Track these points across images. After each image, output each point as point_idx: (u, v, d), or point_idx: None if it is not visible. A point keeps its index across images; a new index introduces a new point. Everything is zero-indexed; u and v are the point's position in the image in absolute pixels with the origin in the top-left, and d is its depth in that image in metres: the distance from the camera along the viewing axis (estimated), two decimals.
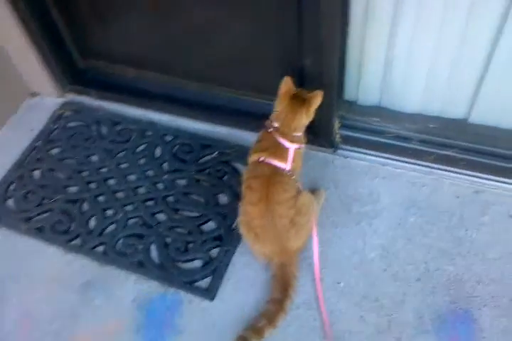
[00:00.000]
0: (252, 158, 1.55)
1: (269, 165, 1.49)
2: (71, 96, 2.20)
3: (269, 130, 1.54)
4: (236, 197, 1.78)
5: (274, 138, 1.52)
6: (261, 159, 1.51)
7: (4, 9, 1.85)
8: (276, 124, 1.52)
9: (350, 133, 1.85)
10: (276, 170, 1.49)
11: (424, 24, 1.53)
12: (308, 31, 1.51)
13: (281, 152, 1.50)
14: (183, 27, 2.37)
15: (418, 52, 1.62)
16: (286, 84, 1.49)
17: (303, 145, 1.56)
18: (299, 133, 1.54)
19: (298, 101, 1.49)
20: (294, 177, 1.50)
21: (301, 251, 1.56)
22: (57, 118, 2.12)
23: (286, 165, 1.49)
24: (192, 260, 1.68)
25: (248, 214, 1.51)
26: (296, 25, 1.51)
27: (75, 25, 2.13)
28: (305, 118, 1.51)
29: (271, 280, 1.52)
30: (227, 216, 1.74)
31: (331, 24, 1.44)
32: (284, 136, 1.51)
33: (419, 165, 1.75)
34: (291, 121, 1.50)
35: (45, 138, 2.06)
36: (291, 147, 1.51)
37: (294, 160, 1.50)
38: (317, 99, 1.48)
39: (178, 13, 2.42)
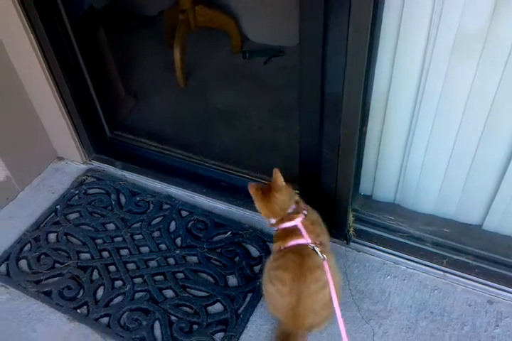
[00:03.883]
0: (275, 247, 1.59)
1: (293, 250, 1.50)
2: (95, 164, 2.26)
3: (274, 230, 1.60)
4: (246, 280, 1.79)
5: (281, 229, 1.57)
6: (282, 247, 1.54)
7: (44, 80, 1.97)
8: (272, 220, 1.58)
9: (363, 228, 1.87)
10: (302, 252, 1.49)
11: (440, 130, 1.60)
12: (328, 128, 1.59)
13: (293, 232, 1.53)
14: (208, 109, 2.50)
15: (434, 156, 1.68)
16: (252, 190, 1.57)
17: (306, 212, 1.57)
18: (291, 208, 1.56)
19: (267, 190, 1.56)
20: (319, 248, 1.48)
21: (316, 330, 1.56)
22: (79, 184, 2.17)
23: (305, 240, 1.50)
24: None
25: (273, 296, 1.52)
26: (318, 119, 1.59)
27: (108, 98, 2.25)
28: (282, 194, 1.55)
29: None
30: (235, 299, 1.73)
31: (351, 123, 1.52)
32: (283, 220, 1.56)
33: (431, 267, 1.75)
34: (274, 206, 1.55)
35: (65, 202, 2.09)
36: (296, 222, 1.53)
37: (310, 231, 1.52)
38: (275, 175, 1.54)
39: (205, 96, 2.56)
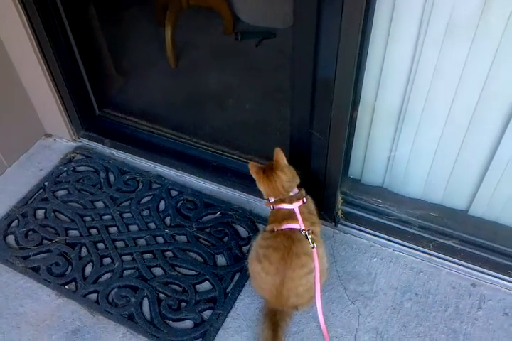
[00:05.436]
0: (269, 227, 1.60)
1: (285, 233, 1.53)
2: (84, 142, 2.24)
3: (271, 208, 1.61)
4: (234, 260, 1.80)
5: (277, 210, 1.59)
6: (276, 229, 1.55)
7: (33, 56, 1.94)
8: (272, 199, 1.59)
9: (352, 210, 1.89)
10: (294, 236, 1.51)
11: (430, 116, 1.61)
12: (319, 111, 1.60)
13: (289, 215, 1.55)
14: (199, 89, 2.48)
15: (423, 141, 1.70)
16: (253, 169, 1.59)
17: (306, 200, 1.60)
18: (293, 192, 1.59)
19: (269, 169, 1.57)
20: (311, 236, 1.51)
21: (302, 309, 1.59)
22: (67, 161, 2.16)
23: (298, 225, 1.53)
24: (183, 319, 1.66)
25: (259, 274, 1.54)
26: (309, 102, 1.59)
27: (98, 76, 2.22)
28: (285, 174, 1.57)
29: (261, 319, 1.56)
30: (224, 278, 1.75)
31: (342, 107, 1.52)
32: (283, 201, 1.57)
33: (417, 250, 1.77)
34: (278, 185, 1.56)
35: (53, 179, 2.08)
36: (294, 206, 1.56)
37: (305, 218, 1.55)
38: (278, 154, 1.57)
39: (195, 76, 2.54)
